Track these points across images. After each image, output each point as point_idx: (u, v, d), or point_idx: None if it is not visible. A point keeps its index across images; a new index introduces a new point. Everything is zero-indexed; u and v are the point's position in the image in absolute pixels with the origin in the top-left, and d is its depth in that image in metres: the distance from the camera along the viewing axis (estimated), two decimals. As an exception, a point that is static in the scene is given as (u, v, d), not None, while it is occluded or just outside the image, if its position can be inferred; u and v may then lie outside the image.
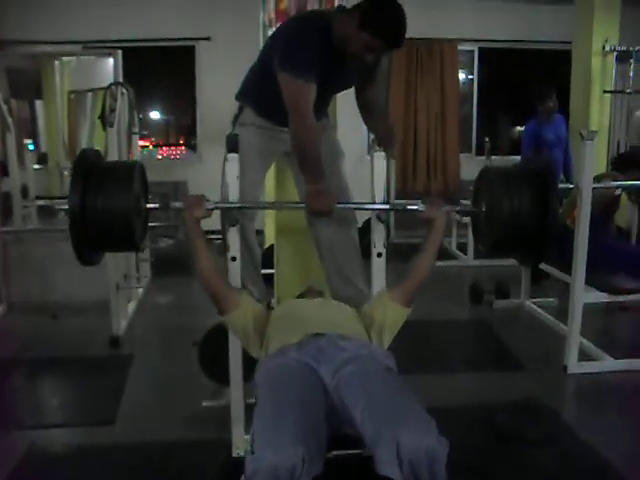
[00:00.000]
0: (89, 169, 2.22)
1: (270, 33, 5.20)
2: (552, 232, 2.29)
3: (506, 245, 2.42)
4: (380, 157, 2.54)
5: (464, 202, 2.53)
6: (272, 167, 3.07)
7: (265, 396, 1.99)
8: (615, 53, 6.64)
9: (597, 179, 4.09)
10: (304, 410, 1.84)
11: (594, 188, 3.63)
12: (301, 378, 2.01)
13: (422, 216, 2.41)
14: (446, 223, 2.41)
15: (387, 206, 2.57)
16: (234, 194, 2.46)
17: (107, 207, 2.17)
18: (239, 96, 2.88)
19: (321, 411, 1.91)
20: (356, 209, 2.81)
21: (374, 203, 2.54)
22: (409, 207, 2.46)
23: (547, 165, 2.35)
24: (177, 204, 2.37)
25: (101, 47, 6.87)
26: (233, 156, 2.45)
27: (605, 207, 4.26)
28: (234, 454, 2.61)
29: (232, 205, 2.47)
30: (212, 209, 2.38)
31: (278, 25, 3.02)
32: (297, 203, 2.63)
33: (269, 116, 2.76)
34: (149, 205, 2.39)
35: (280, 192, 3.16)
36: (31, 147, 6.75)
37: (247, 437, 2.34)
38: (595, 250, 3.68)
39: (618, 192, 4.38)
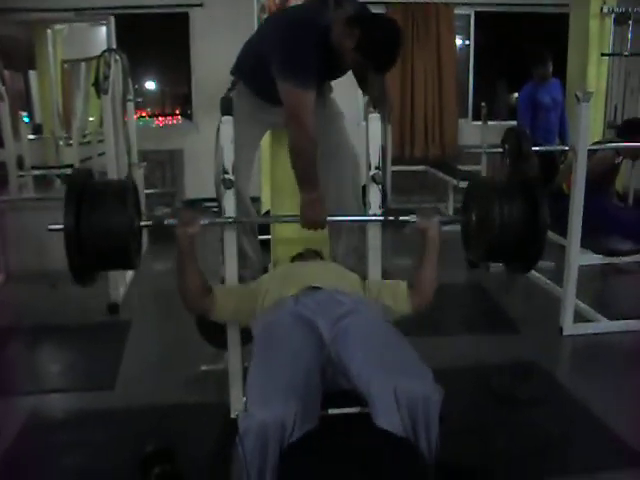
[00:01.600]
0: (82, 190, 2.20)
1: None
2: (543, 241, 2.29)
3: (496, 254, 2.43)
4: (376, 119, 2.52)
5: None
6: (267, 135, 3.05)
7: (259, 352, 2.01)
8: (613, 15, 6.56)
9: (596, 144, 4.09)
10: (298, 365, 1.85)
11: (590, 150, 3.63)
12: (297, 332, 2.03)
13: (415, 227, 2.42)
14: (439, 233, 2.41)
15: (380, 218, 2.54)
16: (229, 158, 2.45)
17: (102, 230, 2.17)
18: (234, 71, 2.85)
19: (316, 366, 1.92)
20: (349, 221, 2.79)
21: (367, 215, 2.55)
22: (402, 218, 2.47)
23: (536, 176, 2.37)
24: (171, 221, 2.35)
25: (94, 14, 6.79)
26: (227, 119, 2.44)
27: (604, 174, 4.25)
28: (232, 415, 2.63)
29: (226, 220, 2.49)
30: (207, 224, 2.39)
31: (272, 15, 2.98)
32: (291, 216, 2.65)
33: (263, 96, 2.74)
34: (143, 223, 2.39)
35: (275, 161, 3.13)
36: (26, 119, 6.70)
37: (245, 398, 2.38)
38: (591, 213, 3.69)
39: (619, 160, 4.36)
